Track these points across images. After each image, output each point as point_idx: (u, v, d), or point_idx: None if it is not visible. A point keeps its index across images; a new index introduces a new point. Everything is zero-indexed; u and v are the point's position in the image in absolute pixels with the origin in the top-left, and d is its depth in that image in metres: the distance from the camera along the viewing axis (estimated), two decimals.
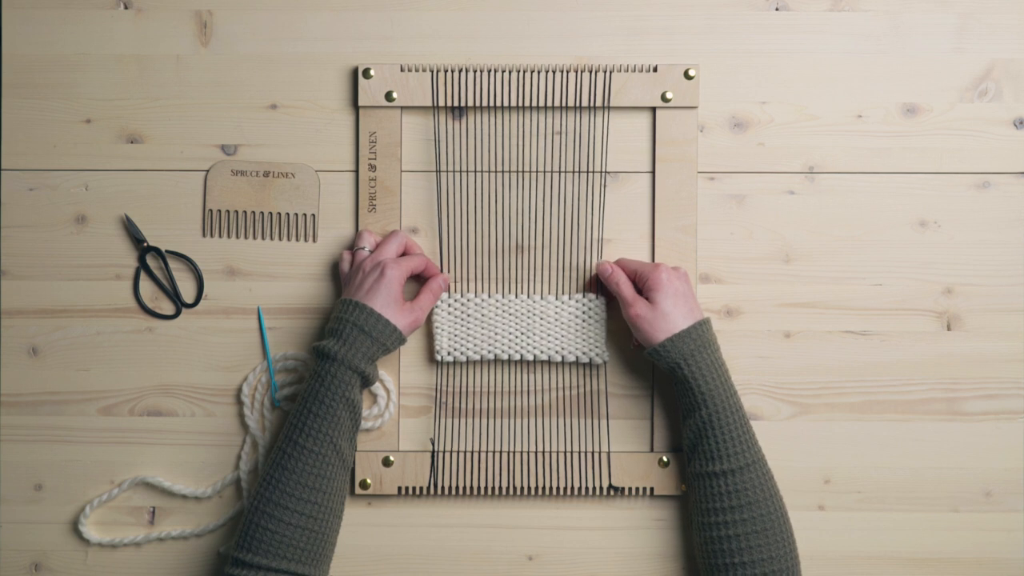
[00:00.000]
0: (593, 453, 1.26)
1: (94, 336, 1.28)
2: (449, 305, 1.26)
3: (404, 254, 1.24)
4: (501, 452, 1.26)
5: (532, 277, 1.27)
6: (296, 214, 1.28)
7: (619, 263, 1.25)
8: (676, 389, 1.21)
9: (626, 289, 1.22)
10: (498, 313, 1.26)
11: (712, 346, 1.20)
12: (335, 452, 1.17)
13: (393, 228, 1.26)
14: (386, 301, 1.19)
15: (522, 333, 1.26)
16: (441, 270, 1.27)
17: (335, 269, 1.28)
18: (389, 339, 1.19)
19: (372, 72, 1.25)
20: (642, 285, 1.22)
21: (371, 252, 1.24)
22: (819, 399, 1.28)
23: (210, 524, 1.27)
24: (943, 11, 1.28)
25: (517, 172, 1.27)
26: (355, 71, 1.27)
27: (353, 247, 1.25)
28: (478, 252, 1.27)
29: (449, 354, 1.26)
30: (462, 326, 1.26)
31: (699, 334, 1.19)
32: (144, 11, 1.28)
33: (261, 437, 1.26)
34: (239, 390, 1.27)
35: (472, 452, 1.26)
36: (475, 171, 1.27)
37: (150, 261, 1.28)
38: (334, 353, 1.17)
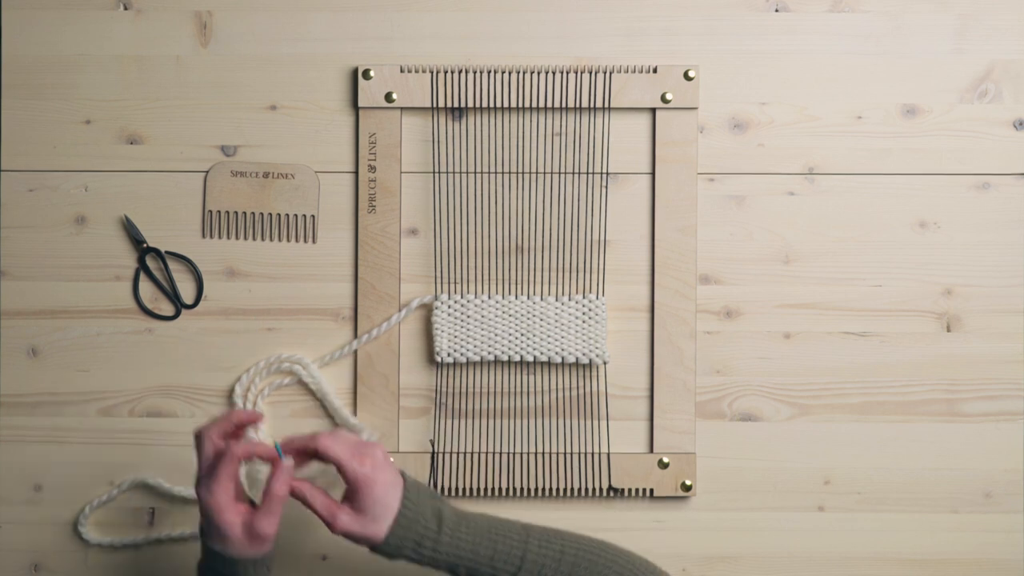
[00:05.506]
0: (593, 454, 1.26)
1: (94, 337, 1.28)
2: (449, 306, 1.26)
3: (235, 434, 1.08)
4: (501, 453, 1.26)
5: (532, 278, 1.27)
6: (296, 215, 1.28)
7: (289, 444, 1.06)
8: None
9: (321, 504, 1.05)
10: (498, 314, 1.26)
11: (430, 497, 1.06)
12: None
13: (393, 229, 1.26)
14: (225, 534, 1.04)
15: (522, 334, 1.26)
16: (441, 271, 1.27)
17: (335, 270, 1.27)
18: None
19: (372, 73, 1.25)
20: (340, 474, 1.05)
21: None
22: (819, 400, 1.28)
23: None
24: (943, 11, 1.28)
25: (517, 173, 1.27)
26: (355, 72, 1.27)
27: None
28: (478, 253, 1.27)
29: (449, 355, 1.26)
30: (462, 327, 1.26)
31: (410, 505, 1.04)
32: (144, 11, 1.28)
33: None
34: (231, 390, 1.27)
35: (472, 453, 1.26)
36: (475, 172, 1.27)
37: (150, 262, 1.28)
38: None
